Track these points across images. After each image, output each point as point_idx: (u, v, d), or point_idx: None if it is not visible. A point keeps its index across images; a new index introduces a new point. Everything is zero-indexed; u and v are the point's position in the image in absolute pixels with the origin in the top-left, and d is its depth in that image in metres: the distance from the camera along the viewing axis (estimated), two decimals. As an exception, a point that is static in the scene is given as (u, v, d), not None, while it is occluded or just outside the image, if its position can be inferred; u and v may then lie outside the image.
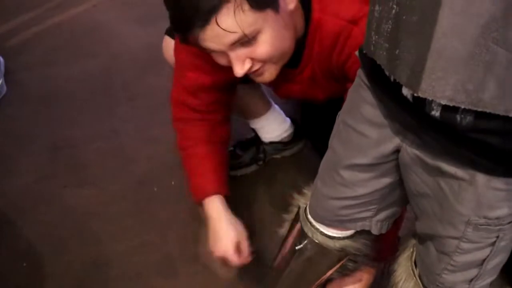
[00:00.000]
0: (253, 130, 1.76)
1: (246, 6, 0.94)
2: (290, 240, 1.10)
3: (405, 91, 0.68)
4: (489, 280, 0.86)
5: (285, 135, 1.76)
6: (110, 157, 1.84)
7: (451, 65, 0.61)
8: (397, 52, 0.66)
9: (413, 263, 0.96)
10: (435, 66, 0.62)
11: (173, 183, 1.73)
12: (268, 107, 1.69)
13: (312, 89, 1.27)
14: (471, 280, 0.84)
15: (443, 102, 0.63)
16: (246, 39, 0.98)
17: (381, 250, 1.09)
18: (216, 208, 1.31)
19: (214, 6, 0.92)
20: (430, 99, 0.65)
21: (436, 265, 0.86)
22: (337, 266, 1.06)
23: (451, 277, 0.85)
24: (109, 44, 2.34)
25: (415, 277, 0.95)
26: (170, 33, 1.55)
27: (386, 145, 0.82)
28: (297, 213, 1.10)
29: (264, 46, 1.02)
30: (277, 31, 1.02)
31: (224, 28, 0.94)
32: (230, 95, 1.40)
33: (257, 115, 1.69)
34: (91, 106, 2.04)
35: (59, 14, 2.49)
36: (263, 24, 0.99)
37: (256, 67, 1.06)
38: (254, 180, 1.72)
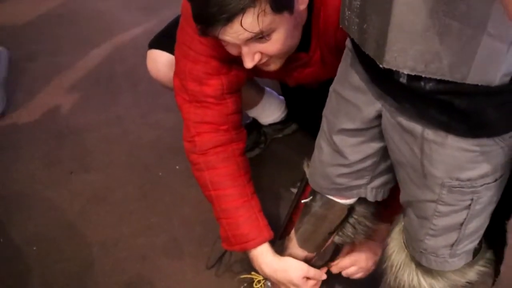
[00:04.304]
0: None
1: (268, 9, 0.98)
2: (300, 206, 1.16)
3: None
4: (470, 245, 0.90)
5: (282, 115, 1.79)
6: (115, 143, 1.87)
7: (409, 37, 0.66)
8: (365, 26, 0.71)
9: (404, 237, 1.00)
10: (396, 39, 0.67)
11: (177, 167, 1.76)
12: (262, 94, 1.71)
13: (324, 70, 1.30)
14: (452, 245, 0.88)
15: (406, 72, 0.69)
16: (261, 36, 1.04)
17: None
18: (267, 260, 1.29)
19: (241, 9, 0.96)
20: (394, 69, 0.70)
21: (418, 231, 0.90)
22: (342, 217, 1.11)
23: (433, 242, 0.89)
24: (112, 32, 2.36)
25: (406, 249, 0.98)
26: (156, 45, 1.50)
27: (369, 110, 0.86)
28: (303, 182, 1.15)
29: (276, 44, 1.07)
30: (289, 31, 1.07)
31: (246, 28, 0.99)
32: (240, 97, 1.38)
33: (253, 105, 1.71)
34: (95, 94, 2.07)
35: (62, 4, 2.51)
36: (278, 25, 1.03)
37: (264, 60, 1.12)
38: (258, 163, 1.74)
